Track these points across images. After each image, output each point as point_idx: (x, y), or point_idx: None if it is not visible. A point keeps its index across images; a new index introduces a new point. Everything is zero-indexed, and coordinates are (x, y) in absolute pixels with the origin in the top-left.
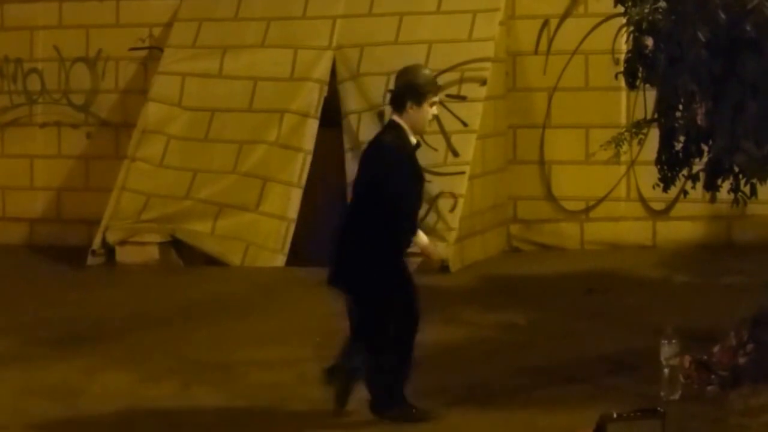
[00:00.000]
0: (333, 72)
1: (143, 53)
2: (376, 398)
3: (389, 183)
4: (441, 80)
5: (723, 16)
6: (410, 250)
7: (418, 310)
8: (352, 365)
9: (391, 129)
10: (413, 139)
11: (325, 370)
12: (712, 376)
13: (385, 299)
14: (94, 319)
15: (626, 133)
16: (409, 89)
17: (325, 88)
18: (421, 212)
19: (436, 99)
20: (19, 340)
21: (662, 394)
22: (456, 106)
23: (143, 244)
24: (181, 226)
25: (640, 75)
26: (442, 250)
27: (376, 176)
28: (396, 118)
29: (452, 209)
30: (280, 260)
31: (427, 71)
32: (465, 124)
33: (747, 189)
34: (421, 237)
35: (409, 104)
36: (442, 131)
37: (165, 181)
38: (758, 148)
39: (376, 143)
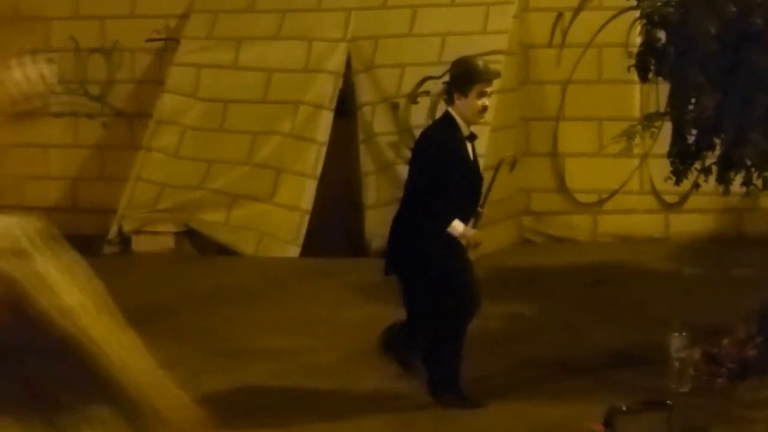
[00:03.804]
0: (348, 64)
1: (159, 44)
2: (434, 384)
3: (412, 171)
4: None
5: (732, 9)
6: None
7: (471, 298)
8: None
9: (440, 120)
10: (465, 130)
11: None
12: (722, 369)
13: (433, 285)
14: None
15: (638, 126)
16: (457, 80)
17: (340, 79)
18: None
19: (486, 89)
20: None
21: (671, 386)
22: None
23: (158, 233)
24: (195, 216)
25: (651, 68)
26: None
27: (412, 163)
28: (449, 108)
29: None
30: (293, 251)
31: (478, 62)
32: None
33: (759, 182)
34: (455, 226)
35: (456, 95)
36: None
37: (179, 171)
38: (766, 141)
39: (422, 132)
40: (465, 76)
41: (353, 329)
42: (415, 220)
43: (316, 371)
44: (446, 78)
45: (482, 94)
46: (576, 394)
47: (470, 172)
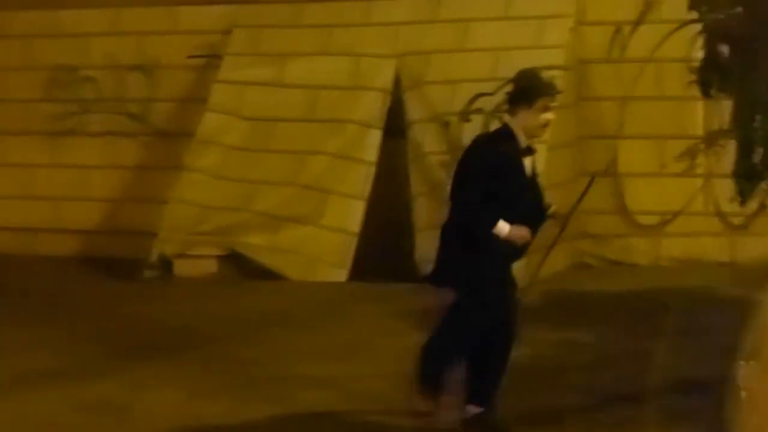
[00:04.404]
0: (397, 80)
1: (200, 61)
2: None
3: (460, 181)
4: (508, 89)
5: None
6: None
7: (505, 323)
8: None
9: (496, 130)
10: (523, 143)
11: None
12: None
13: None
14: (147, 334)
15: (701, 145)
16: (521, 91)
17: (389, 97)
18: None
19: (551, 104)
20: (67, 354)
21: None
22: None
23: (200, 257)
24: (239, 239)
25: (714, 83)
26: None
27: (456, 173)
28: (508, 120)
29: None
30: (341, 275)
31: (543, 74)
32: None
33: None
34: (500, 227)
35: (519, 107)
36: None
37: (223, 192)
38: None
39: (472, 140)
40: (531, 88)
41: (402, 356)
42: (461, 233)
43: (364, 400)
44: (500, 95)
45: (546, 109)
46: (638, 425)
47: (526, 186)
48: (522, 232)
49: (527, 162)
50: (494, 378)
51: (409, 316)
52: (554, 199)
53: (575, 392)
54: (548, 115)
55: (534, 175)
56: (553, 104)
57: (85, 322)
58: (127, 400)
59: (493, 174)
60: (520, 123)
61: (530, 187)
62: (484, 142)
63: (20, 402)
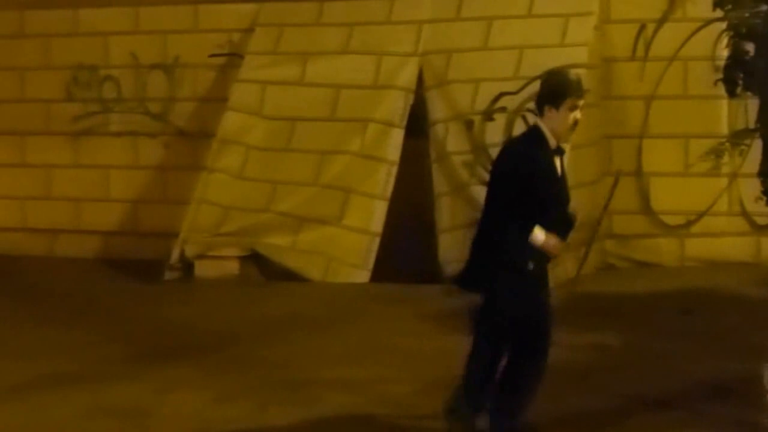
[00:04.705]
0: (420, 79)
1: (222, 60)
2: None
3: (495, 187)
4: (532, 87)
5: None
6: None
7: (543, 333)
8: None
9: (527, 133)
10: (553, 145)
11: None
12: None
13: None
14: (168, 336)
15: (727, 144)
16: (548, 92)
17: (411, 96)
18: None
19: (578, 103)
20: (88, 357)
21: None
22: None
23: (222, 258)
24: (260, 240)
25: (740, 82)
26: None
27: (492, 176)
28: (537, 121)
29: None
30: (363, 276)
31: (570, 74)
32: None
33: None
34: (536, 235)
35: (546, 108)
36: None
37: (244, 192)
38: None
39: (504, 144)
40: (557, 89)
41: (426, 359)
42: (495, 239)
43: (387, 403)
44: (523, 93)
45: (574, 108)
46: (666, 428)
47: (558, 189)
48: (556, 242)
49: (557, 163)
50: (525, 394)
51: (433, 318)
52: (578, 199)
53: (600, 395)
54: (576, 115)
55: (563, 176)
56: (580, 103)
57: (106, 324)
58: (149, 403)
59: (527, 177)
60: (549, 124)
61: (561, 189)
62: (516, 145)
63: (41, 405)
